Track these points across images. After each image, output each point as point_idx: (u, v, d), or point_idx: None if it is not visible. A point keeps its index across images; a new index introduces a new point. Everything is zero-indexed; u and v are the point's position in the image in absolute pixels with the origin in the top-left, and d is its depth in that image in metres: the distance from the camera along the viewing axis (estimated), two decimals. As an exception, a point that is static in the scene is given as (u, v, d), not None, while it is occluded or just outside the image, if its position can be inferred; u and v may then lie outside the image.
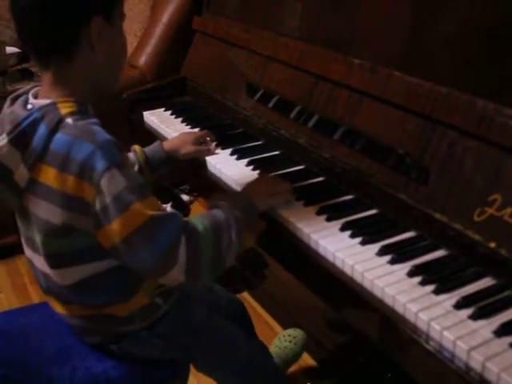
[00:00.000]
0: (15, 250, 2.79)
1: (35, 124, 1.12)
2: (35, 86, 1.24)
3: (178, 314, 1.39)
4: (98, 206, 1.10)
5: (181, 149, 1.69)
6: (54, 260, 1.23)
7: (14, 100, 1.22)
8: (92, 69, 1.20)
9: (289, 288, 2.14)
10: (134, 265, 1.17)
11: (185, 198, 3.12)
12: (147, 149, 1.65)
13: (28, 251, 1.31)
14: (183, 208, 2.99)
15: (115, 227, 1.11)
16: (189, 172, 1.88)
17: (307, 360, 2.10)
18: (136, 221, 1.11)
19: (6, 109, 1.21)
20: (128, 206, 1.10)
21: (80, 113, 1.16)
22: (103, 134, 1.13)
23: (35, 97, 1.20)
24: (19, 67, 3.27)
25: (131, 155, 1.60)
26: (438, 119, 1.30)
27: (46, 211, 1.16)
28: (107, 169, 1.09)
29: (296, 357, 1.99)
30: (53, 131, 1.12)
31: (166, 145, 1.68)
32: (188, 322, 1.41)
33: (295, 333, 2.03)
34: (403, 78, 1.40)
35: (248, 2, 2.10)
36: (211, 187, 1.72)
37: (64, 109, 1.14)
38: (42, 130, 1.12)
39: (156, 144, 1.67)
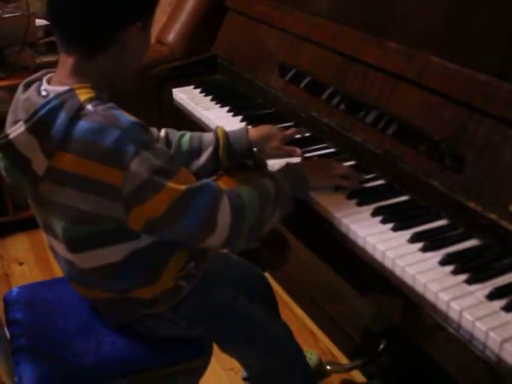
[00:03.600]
0: (38, 222, 2.81)
1: (54, 111, 1.11)
2: (48, 72, 1.23)
3: (201, 294, 1.39)
4: (127, 189, 1.10)
5: (267, 142, 1.55)
6: (76, 244, 1.23)
7: (27, 86, 1.21)
8: (113, 66, 1.20)
9: (311, 271, 2.14)
10: (173, 234, 1.18)
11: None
12: (231, 132, 1.53)
13: (48, 238, 1.31)
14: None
15: (150, 206, 1.11)
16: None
17: (330, 346, 2.09)
18: (171, 196, 1.11)
19: (20, 95, 1.20)
20: (161, 185, 1.11)
21: (98, 98, 1.15)
22: (126, 117, 1.13)
23: (49, 83, 1.19)
24: (47, 40, 3.26)
25: (210, 136, 1.51)
26: (475, 106, 1.28)
27: (70, 198, 1.15)
28: (136, 152, 1.09)
29: None
30: (73, 118, 1.10)
31: (252, 134, 1.54)
32: (210, 302, 1.41)
33: (313, 354, 1.99)
34: (441, 63, 1.37)
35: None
36: (240, 167, 1.71)
37: (82, 95, 1.13)
38: (61, 117, 1.10)
39: (241, 129, 1.55)
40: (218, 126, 1.54)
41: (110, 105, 1.15)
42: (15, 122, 1.15)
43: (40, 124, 1.11)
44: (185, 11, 2.67)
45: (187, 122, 1.92)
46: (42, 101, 1.13)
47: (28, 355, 1.33)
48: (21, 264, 2.67)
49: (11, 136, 1.13)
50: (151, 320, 1.34)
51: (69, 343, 1.36)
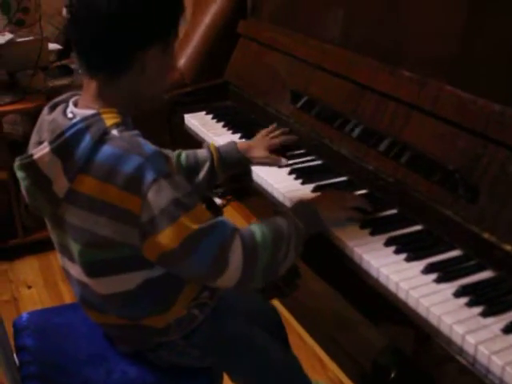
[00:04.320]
0: (48, 245, 2.80)
1: (79, 134, 1.11)
2: (74, 95, 1.24)
3: (214, 323, 1.38)
4: (144, 217, 1.10)
5: (254, 151, 1.67)
6: (92, 268, 1.22)
7: (53, 108, 1.22)
8: (137, 88, 1.21)
9: (322, 299, 2.13)
10: (184, 272, 1.18)
11: (217, 201, 3.12)
12: (221, 146, 1.64)
13: (63, 260, 1.31)
14: (215, 211, 2.98)
15: (162, 239, 1.11)
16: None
17: (339, 374, 2.07)
18: (182, 234, 1.11)
19: (46, 116, 1.21)
20: (175, 218, 1.10)
21: (123, 124, 1.16)
22: (150, 146, 1.13)
23: (75, 105, 1.20)
24: (59, 63, 3.29)
25: (204, 152, 1.60)
26: (490, 137, 1.27)
27: (88, 222, 1.15)
28: (155, 180, 1.09)
29: None
30: (98, 143, 1.11)
31: (241, 145, 1.67)
32: (223, 332, 1.40)
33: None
34: (455, 92, 1.37)
35: (293, 8, 2.08)
36: (250, 193, 1.71)
37: (108, 120, 1.14)
38: (86, 140, 1.11)
39: (230, 143, 1.66)
40: (209, 143, 1.63)
41: (135, 132, 1.16)
42: (40, 143, 1.16)
43: (65, 146, 1.11)
44: (196, 37, 2.69)
45: (198, 147, 1.92)
46: (67, 123, 1.13)
47: (38, 381, 1.32)
48: (29, 287, 2.67)
49: (35, 156, 1.13)
50: (163, 348, 1.33)
51: (79, 371, 1.35)
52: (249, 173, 1.69)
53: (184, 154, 1.60)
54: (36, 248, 2.85)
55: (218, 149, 1.62)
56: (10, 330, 1.50)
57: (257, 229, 1.21)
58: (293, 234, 1.24)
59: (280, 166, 1.67)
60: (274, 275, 1.24)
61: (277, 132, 1.77)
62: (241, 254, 1.16)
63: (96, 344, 1.41)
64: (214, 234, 1.14)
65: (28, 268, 2.80)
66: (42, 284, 2.68)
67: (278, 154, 1.71)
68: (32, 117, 2.85)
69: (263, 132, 1.77)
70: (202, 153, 1.60)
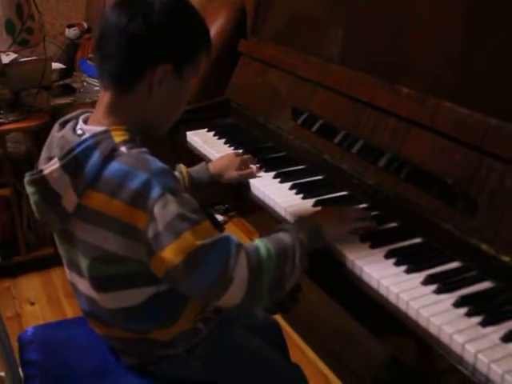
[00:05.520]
0: (50, 262, 2.84)
1: (88, 151, 1.13)
2: (84, 112, 1.27)
3: (217, 336, 1.39)
4: (150, 233, 1.11)
5: (225, 173, 1.70)
6: (101, 283, 1.23)
7: (62, 125, 1.25)
8: (145, 108, 1.23)
9: (324, 313, 2.14)
10: (190, 288, 1.17)
11: (219, 217, 3.14)
12: (192, 169, 1.66)
13: (71, 274, 1.32)
14: (217, 228, 3.01)
15: (167, 255, 1.11)
16: (228, 193, 1.89)
17: (340, 387, 2.09)
18: (186, 249, 1.11)
19: (56, 133, 1.23)
20: (179, 233, 1.11)
21: (132, 141, 1.18)
22: (157, 163, 1.15)
23: (85, 122, 1.23)
24: (61, 82, 3.34)
25: (176, 174, 1.61)
26: (487, 151, 1.29)
27: (97, 237, 1.16)
28: (161, 195, 1.10)
29: None
30: (107, 159, 1.13)
31: (211, 167, 1.69)
32: (226, 345, 1.40)
33: None
34: (452, 108, 1.40)
35: (293, 27, 2.12)
36: (252, 209, 1.74)
37: (117, 137, 1.16)
38: (95, 157, 1.13)
39: (201, 165, 1.68)
40: (179, 165, 1.64)
41: (144, 149, 1.18)
42: (50, 159, 1.18)
43: (74, 162, 1.13)
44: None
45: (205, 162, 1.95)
46: (77, 139, 1.16)
47: (43, 395, 1.34)
48: (32, 304, 2.68)
49: (45, 172, 1.15)
50: (167, 361, 1.34)
51: (82, 385, 1.36)
52: (248, 187, 1.72)
53: None
54: (38, 265, 2.87)
55: (189, 172, 1.64)
56: (13, 346, 1.52)
57: (261, 244, 1.21)
58: (297, 249, 1.24)
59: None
60: (280, 292, 1.23)
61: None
62: (246, 270, 1.15)
63: (100, 357, 1.42)
64: (218, 249, 1.14)
65: (31, 285, 2.81)
66: (44, 300, 2.70)
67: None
68: (35, 135, 2.89)
69: (231, 153, 1.80)
70: None
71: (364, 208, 1.53)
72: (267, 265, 1.19)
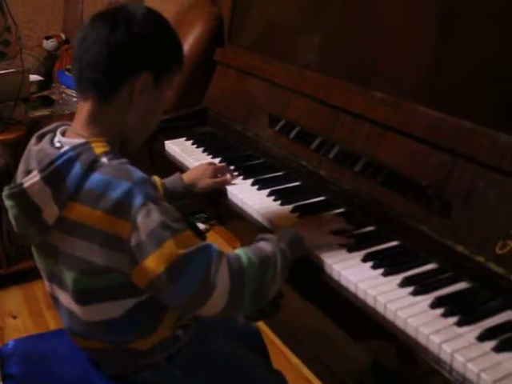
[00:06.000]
0: (31, 275, 2.82)
1: (70, 162, 1.13)
2: (62, 125, 1.27)
3: (197, 344, 1.39)
4: (133, 242, 1.11)
5: (199, 182, 1.72)
6: (83, 296, 1.23)
7: (40, 138, 1.25)
8: (124, 118, 1.24)
9: (304, 318, 2.15)
10: (172, 298, 1.17)
11: (201, 226, 3.14)
12: (166, 180, 1.67)
13: (51, 287, 1.31)
14: (199, 236, 3.01)
15: (149, 264, 1.11)
16: (207, 201, 1.89)
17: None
18: (168, 258, 1.11)
19: (33, 146, 1.23)
20: (162, 242, 1.11)
21: (112, 152, 1.18)
22: (138, 173, 1.16)
23: (62, 135, 1.23)
24: (40, 94, 3.33)
25: None
26: (460, 153, 1.32)
27: (79, 249, 1.16)
28: (144, 204, 1.11)
29: None
30: (88, 170, 1.13)
31: (185, 177, 1.70)
32: (206, 352, 1.41)
33: None
34: (426, 112, 1.42)
35: (270, 35, 2.14)
36: (232, 216, 1.74)
37: (97, 148, 1.17)
38: (76, 168, 1.13)
39: (175, 176, 1.70)
40: (153, 177, 1.61)
41: (124, 160, 1.18)
42: (28, 172, 1.18)
43: (55, 174, 1.13)
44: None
45: (179, 172, 1.96)
46: (55, 152, 1.16)
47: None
48: (14, 317, 2.66)
49: (25, 185, 1.15)
50: (148, 371, 1.34)
51: (64, 397, 1.36)
52: (225, 194, 1.73)
53: None
54: (19, 278, 2.85)
55: (163, 183, 1.65)
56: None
57: (242, 253, 1.22)
58: (278, 258, 1.25)
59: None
60: (262, 300, 1.24)
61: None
62: (227, 277, 1.16)
63: (81, 369, 1.42)
64: (199, 257, 1.14)
65: (12, 298, 2.79)
66: (26, 313, 2.68)
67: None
68: (13, 148, 2.87)
69: (204, 163, 1.81)
70: None
71: (340, 213, 1.55)
72: (249, 272, 1.19)
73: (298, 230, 1.37)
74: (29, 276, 2.84)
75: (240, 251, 1.23)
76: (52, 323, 2.57)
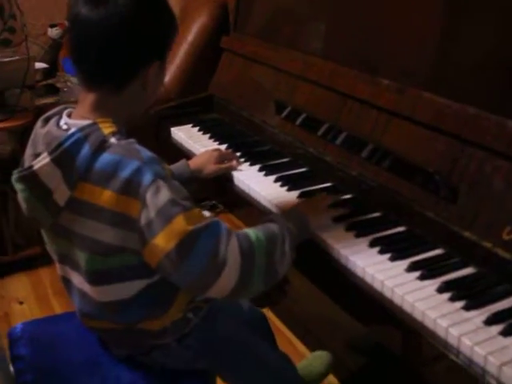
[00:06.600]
0: (38, 261, 2.84)
1: (78, 144, 1.14)
2: (67, 107, 1.27)
3: (207, 325, 1.40)
4: (143, 220, 1.12)
5: (204, 168, 1.72)
6: (97, 277, 1.24)
7: (45, 121, 1.25)
8: (135, 103, 1.25)
9: (312, 304, 2.16)
10: (183, 277, 1.17)
11: (206, 214, 3.15)
12: (174, 167, 1.66)
13: (64, 269, 1.32)
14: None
15: (159, 241, 1.12)
16: (214, 188, 1.90)
17: (331, 379, 2.10)
18: (177, 235, 1.12)
19: (40, 129, 1.23)
20: (171, 218, 1.11)
21: (120, 133, 1.19)
22: (147, 152, 1.16)
23: (69, 117, 1.23)
24: (45, 82, 3.33)
25: None
26: (466, 139, 1.32)
27: (91, 229, 1.17)
28: (153, 182, 1.11)
29: (320, 376, 1.99)
30: (97, 151, 1.14)
31: (191, 163, 1.71)
32: (216, 334, 1.42)
33: (322, 354, 2.03)
34: (432, 98, 1.42)
35: (275, 22, 2.14)
36: (238, 202, 1.75)
37: (105, 129, 1.17)
38: (85, 149, 1.13)
39: (181, 163, 1.70)
40: None
41: (132, 140, 1.19)
42: (36, 155, 1.18)
43: (64, 155, 1.14)
44: (180, 54, 2.74)
45: (186, 158, 1.97)
46: (62, 133, 1.16)
47: (33, 390, 1.35)
48: (21, 303, 2.68)
49: (35, 167, 1.15)
50: (157, 351, 1.35)
51: (73, 378, 1.36)
52: (231, 180, 1.74)
53: None
54: (26, 265, 2.86)
55: (170, 170, 1.64)
56: (4, 342, 1.52)
57: (250, 231, 1.23)
58: (286, 236, 1.26)
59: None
60: (272, 278, 1.25)
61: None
62: (238, 254, 1.16)
63: (90, 351, 1.43)
64: (209, 233, 1.14)
65: (18, 284, 2.80)
66: (33, 299, 2.69)
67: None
68: (19, 135, 2.88)
69: (210, 149, 1.81)
70: None
71: (347, 199, 1.56)
72: (258, 250, 1.20)
73: (302, 211, 1.39)
74: (35, 262, 2.85)
75: (248, 230, 1.24)
76: (58, 308, 2.58)
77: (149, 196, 1.11)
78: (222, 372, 1.47)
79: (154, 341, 1.34)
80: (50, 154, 1.14)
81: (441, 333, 1.10)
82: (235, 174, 1.74)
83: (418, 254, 1.31)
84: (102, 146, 1.14)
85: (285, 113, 1.88)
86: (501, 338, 1.06)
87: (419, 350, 1.18)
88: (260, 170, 1.74)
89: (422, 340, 1.14)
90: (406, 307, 1.17)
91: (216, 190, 1.90)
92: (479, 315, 1.11)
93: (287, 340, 2.32)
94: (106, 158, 1.14)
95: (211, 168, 1.73)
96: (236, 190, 1.72)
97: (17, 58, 2.86)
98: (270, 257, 1.23)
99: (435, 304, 1.15)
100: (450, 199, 1.32)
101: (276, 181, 1.67)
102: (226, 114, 2.20)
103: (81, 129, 1.15)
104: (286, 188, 1.63)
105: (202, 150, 1.89)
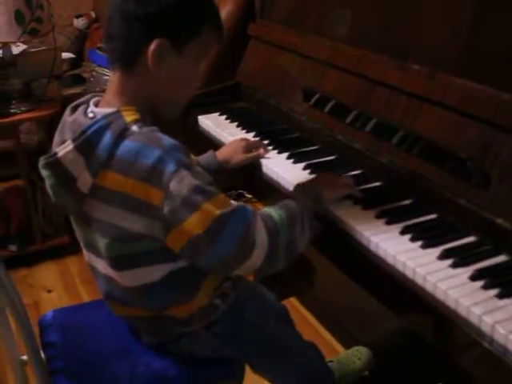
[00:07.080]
0: (66, 250, 2.88)
1: (101, 131, 1.15)
2: (94, 96, 1.28)
3: (235, 313, 1.41)
4: (166, 208, 1.12)
5: (232, 159, 1.71)
6: (119, 262, 1.25)
7: (74, 109, 1.26)
8: (148, 87, 1.24)
9: (339, 293, 2.15)
10: (211, 259, 1.19)
11: (232, 203, 3.15)
12: (201, 158, 1.66)
13: (89, 256, 1.34)
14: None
15: (186, 228, 1.13)
16: (242, 177, 1.89)
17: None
18: (207, 219, 1.13)
19: (68, 117, 1.24)
20: (198, 206, 1.12)
21: (142, 120, 1.19)
22: (169, 139, 1.16)
23: (96, 106, 1.24)
24: (71, 73, 3.35)
25: None
26: (499, 124, 1.30)
27: (113, 216, 1.18)
28: (176, 171, 1.12)
29: (357, 371, 1.99)
30: (119, 138, 1.14)
31: (219, 155, 1.70)
32: (244, 322, 1.43)
33: (362, 349, 2.03)
34: (463, 82, 1.40)
35: (302, 8, 2.12)
36: (267, 190, 1.74)
37: (128, 116, 1.17)
38: (107, 137, 1.14)
39: (209, 154, 1.69)
40: None
41: (154, 128, 1.19)
42: (63, 142, 1.19)
43: (87, 143, 1.15)
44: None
45: (213, 147, 1.96)
46: (88, 122, 1.17)
47: (65, 376, 1.36)
48: (49, 291, 2.71)
49: (60, 154, 1.17)
50: (185, 339, 1.37)
51: (104, 365, 1.38)
52: (259, 168, 1.73)
53: None
54: (54, 254, 2.90)
55: (196, 160, 1.63)
56: (35, 330, 1.54)
57: (271, 211, 1.27)
58: (304, 211, 1.30)
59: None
60: (294, 253, 1.28)
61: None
62: (264, 233, 1.20)
63: (120, 338, 1.45)
64: (237, 216, 1.17)
65: (47, 273, 2.84)
66: (61, 287, 2.73)
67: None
68: (47, 125, 2.91)
69: (237, 139, 1.80)
70: None
71: (377, 186, 1.55)
72: (281, 227, 1.24)
73: (317, 186, 1.42)
74: (63, 251, 2.89)
75: (270, 209, 1.27)
76: (86, 297, 2.61)
77: (173, 185, 1.11)
78: (251, 360, 1.48)
79: (182, 328, 1.35)
80: (73, 141, 1.15)
81: (474, 320, 1.08)
82: (263, 161, 1.73)
83: (449, 241, 1.29)
84: (123, 133, 1.15)
85: (313, 100, 1.86)
86: (536, 326, 1.04)
87: (451, 339, 1.16)
88: (288, 157, 1.73)
89: (454, 328, 1.13)
90: (439, 295, 1.15)
91: (242, 178, 1.89)
92: (513, 303, 1.09)
93: (313, 329, 2.31)
94: (127, 145, 1.14)
95: (239, 158, 1.72)
96: (264, 178, 1.71)
97: (44, 48, 2.88)
98: (292, 235, 1.26)
99: (468, 292, 1.13)
100: (482, 186, 1.30)
101: (305, 168, 1.66)
102: (253, 102, 2.19)
103: (104, 116, 1.16)
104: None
105: (230, 138, 1.88)
